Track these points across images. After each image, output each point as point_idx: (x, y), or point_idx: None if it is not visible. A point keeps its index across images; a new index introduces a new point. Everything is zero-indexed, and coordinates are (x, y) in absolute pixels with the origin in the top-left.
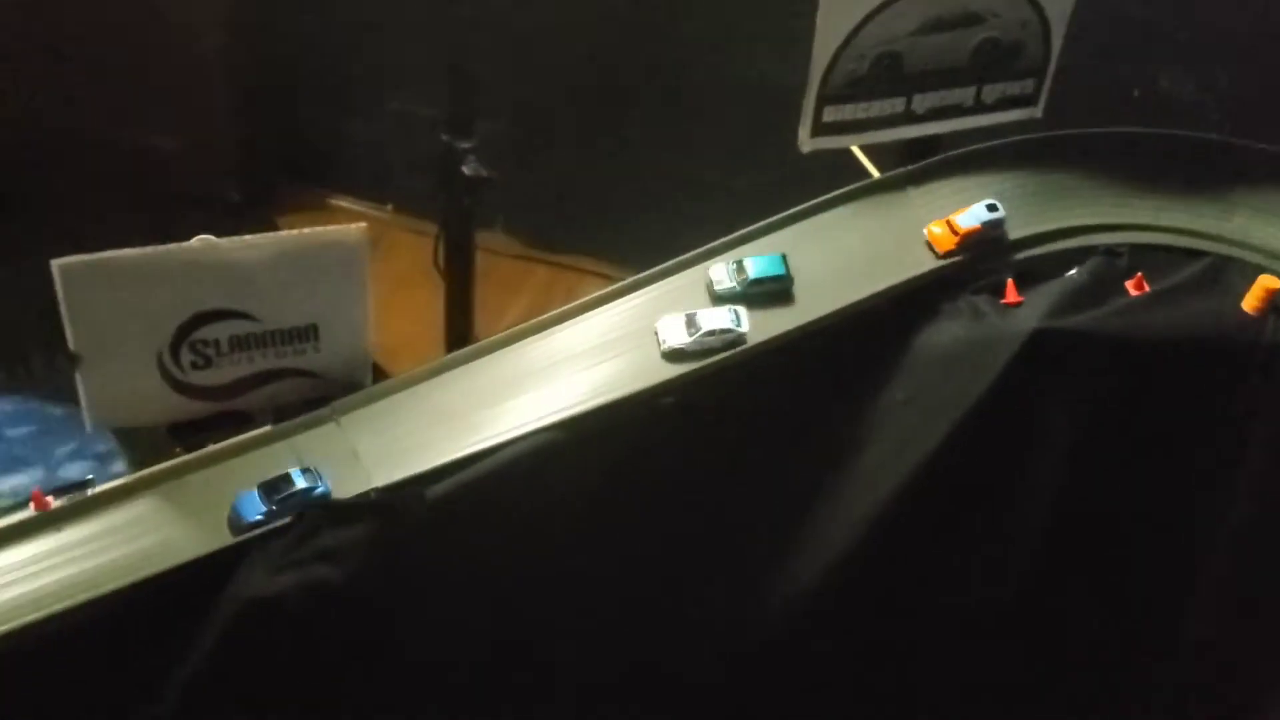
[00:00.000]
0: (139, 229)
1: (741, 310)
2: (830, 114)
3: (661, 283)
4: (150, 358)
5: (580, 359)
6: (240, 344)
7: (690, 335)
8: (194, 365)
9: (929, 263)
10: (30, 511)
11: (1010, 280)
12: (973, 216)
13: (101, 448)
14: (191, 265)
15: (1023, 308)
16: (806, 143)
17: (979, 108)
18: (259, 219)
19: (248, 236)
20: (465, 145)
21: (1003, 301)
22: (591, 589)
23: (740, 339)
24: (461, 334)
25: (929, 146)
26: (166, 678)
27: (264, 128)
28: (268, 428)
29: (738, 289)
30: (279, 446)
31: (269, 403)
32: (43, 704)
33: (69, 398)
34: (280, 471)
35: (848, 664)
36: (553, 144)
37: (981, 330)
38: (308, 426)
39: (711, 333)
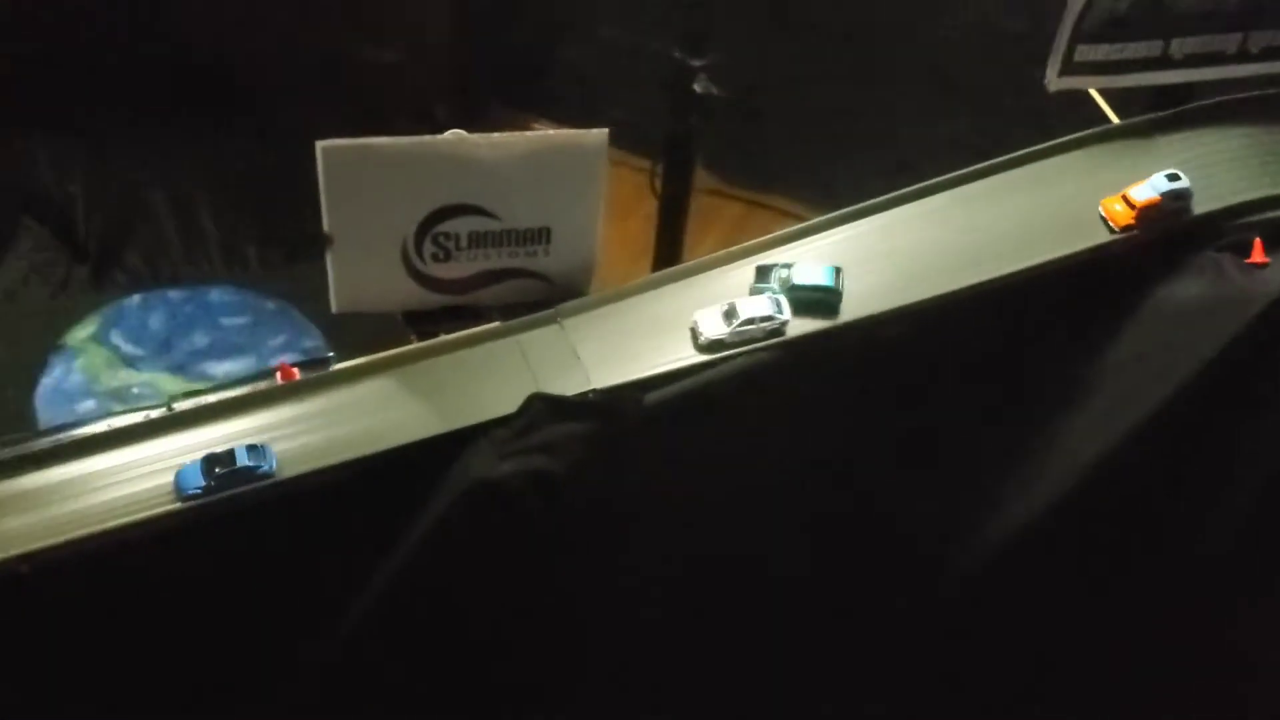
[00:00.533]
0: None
1: (784, 299)
2: (1082, 53)
3: (894, 210)
4: (395, 246)
5: None
6: (478, 240)
7: (729, 326)
8: (434, 257)
9: (1100, 237)
10: (276, 381)
11: (1258, 240)
12: (1150, 188)
13: (309, 343)
14: (444, 158)
15: (1270, 269)
16: (1054, 82)
17: (1242, 56)
18: None
19: (495, 135)
20: (698, 63)
21: (1248, 261)
22: (795, 511)
23: (781, 328)
24: (670, 257)
25: (1180, 95)
26: (384, 550)
27: (477, 49)
28: (496, 324)
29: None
30: (505, 342)
31: (497, 300)
32: (265, 568)
33: (281, 293)
34: (507, 366)
35: (1035, 617)
36: (755, 78)
37: (1224, 289)
38: (532, 326)
39: (750, 321)
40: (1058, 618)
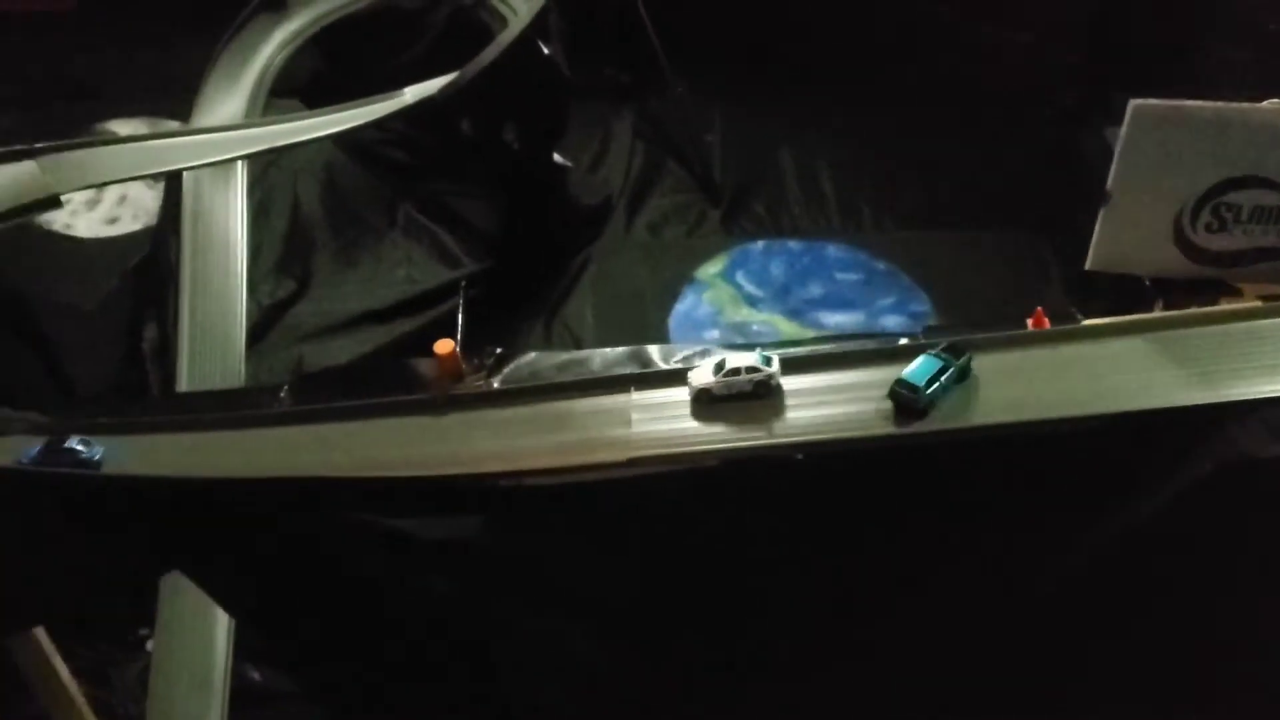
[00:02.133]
0: (952, 118)
1: (775, 355)
2: None
3: None
4: (1170, 211)
5: None
6: (1261, 215)
7: (714, 376)
8: (1208, 227)
9: None
10: (1028, 329)
11: None
12: None
13: (917, 307)
14: (1256, 127)
15: None
16: None
17: None
18: (1088, 127)
19: None
20: None
21: None
22: None
23: (767, 380)
24: None
25: None
26: (1110, 499)
27: (1110, 35)
28: (1257, 303)
29: None
30: (1272, 324)
31: (1255, 279)
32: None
33: (892, 255)
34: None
35: None
36: None
37: None
38: None
39: (735, 371)
40: None
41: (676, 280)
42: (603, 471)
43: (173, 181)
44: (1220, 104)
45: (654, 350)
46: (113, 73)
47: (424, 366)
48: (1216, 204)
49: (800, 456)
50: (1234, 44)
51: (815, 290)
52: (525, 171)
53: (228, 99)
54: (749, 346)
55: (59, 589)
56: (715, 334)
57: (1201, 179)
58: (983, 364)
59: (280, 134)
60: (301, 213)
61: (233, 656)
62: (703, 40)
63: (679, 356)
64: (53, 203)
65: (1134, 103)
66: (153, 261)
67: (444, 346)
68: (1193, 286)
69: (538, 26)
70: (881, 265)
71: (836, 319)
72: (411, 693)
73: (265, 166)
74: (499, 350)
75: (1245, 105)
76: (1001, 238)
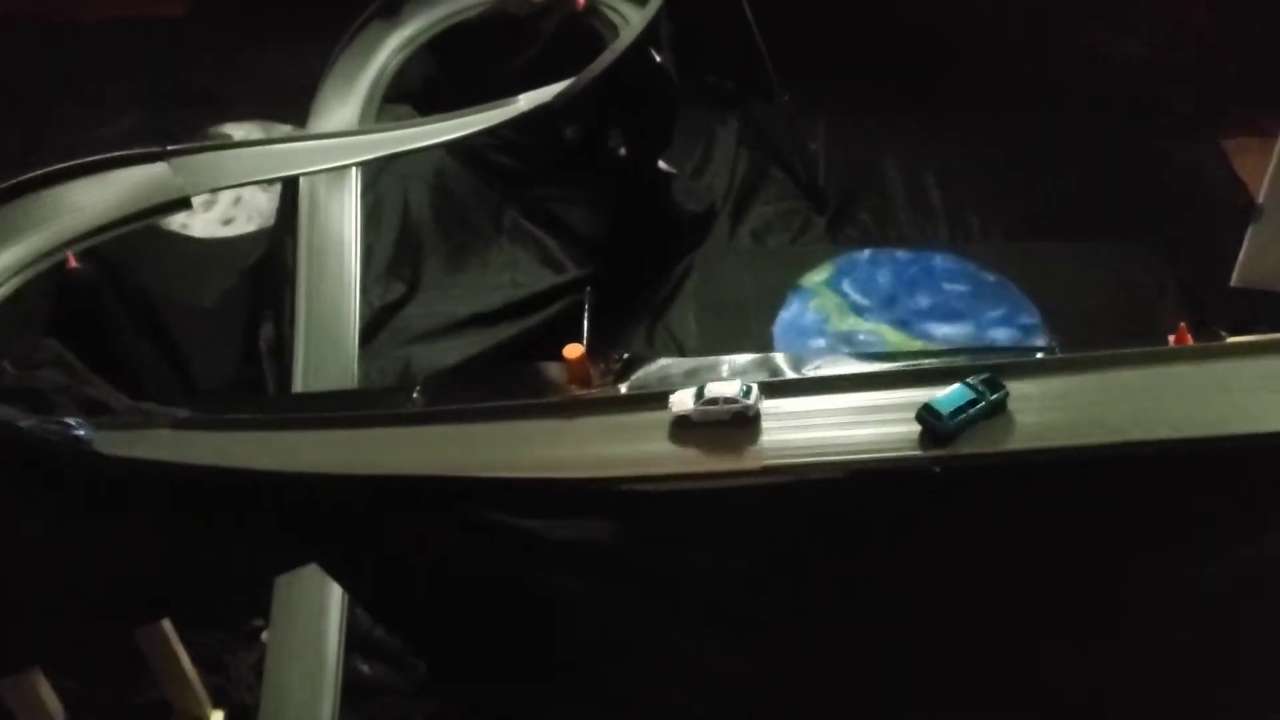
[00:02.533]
0: (1063, 126)
1: (755, 386)
2: None
3: None
4: None
5: None
6: None
7: (694, 403)
8: None
9: None
10: (1170, 345)
11: None
12: None
13: (1026, 320)
14: None
15: None
16: None
17: None
18: (1204, 137)
19: None
20: None
21: None
22: None
23: (746, 411)
24: None
25: None
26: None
27: (1227, 44)
28: None
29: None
30: None
31: None
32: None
33: (1000, 267)
34: None
35: None
36: None
37: None
38: None
39: (714, 400)
40: None
41: (781, 288)
42: (734, 479)
43: (290, 185)
44: None
45: (781, 358)
46: (225, 77)
47: (553, 370)
48: None
49: (938, 469)
50: None
51: (923, 300)
52: (630, 178)
53: (342, 105)
54: (874, 356)
55: (193, 584)
56: (821, 342)
57: None
58: (1110, 380)
59: (398, 140)
60: (411, 217)
61: (344, 650)
62: (807, 48)
63: (811, 365)
64: (184, 204)
65: None
66: (269, 262)
67: (573, 351)
68: None
69: (650, 34)
70: (990, 276)
71: (944, 330)
72: (530, 691)
73: (377, 171)
74: (625, 355)
75: None
76: (1114, 249)
